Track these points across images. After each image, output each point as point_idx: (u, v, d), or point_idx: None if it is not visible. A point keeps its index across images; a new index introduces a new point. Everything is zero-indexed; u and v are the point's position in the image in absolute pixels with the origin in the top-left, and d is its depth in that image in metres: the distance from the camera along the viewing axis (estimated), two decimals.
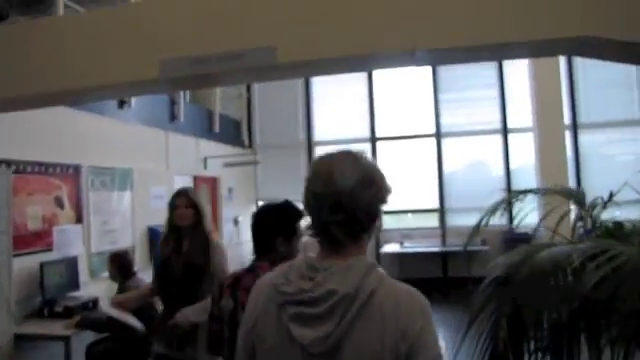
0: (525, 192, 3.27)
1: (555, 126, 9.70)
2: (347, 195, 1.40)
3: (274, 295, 1.43)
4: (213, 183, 10.02)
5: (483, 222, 3.20)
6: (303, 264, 1.44)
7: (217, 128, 9.98)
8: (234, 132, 11.17)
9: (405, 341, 1.32)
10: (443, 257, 10.72)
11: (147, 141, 7.85)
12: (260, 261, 2.49)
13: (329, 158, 1.49)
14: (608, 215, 2.95)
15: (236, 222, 10.64)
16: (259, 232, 2.53)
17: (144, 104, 7.76)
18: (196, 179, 9.38)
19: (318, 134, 11.83)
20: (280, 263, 1.66)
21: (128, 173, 7.17)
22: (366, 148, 10.62)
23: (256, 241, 2.54)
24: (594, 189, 3.76)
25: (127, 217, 7.17)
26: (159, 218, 8.11)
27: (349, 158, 1.48)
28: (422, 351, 1.34)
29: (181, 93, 8.67)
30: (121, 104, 7.16)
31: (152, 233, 7.63)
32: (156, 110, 8.18)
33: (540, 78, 9.81)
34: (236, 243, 10.62)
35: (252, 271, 2.46)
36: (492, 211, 3.12)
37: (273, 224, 2.51)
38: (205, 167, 9.55)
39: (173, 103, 8.62)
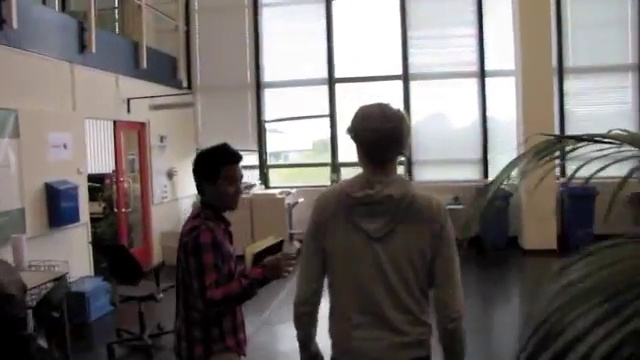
0: (580, 138, 1.83)
1: (542, 69, 8.44)
2: (395, 130, 1.99)
3: (344, 200, 1.99)
4: (140, 129, 8.43)
5: (515, 175, 1.91)
6: (361, 179, 2.02)
7: (144, 64, 8.31)
8: (168, 70, 9.49)
9: (437, 223, 1.98)
10: None
11: (42, 76, 6.17)
12: (200, 203, 2.63)
13: (374, 106, 2.04)
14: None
15: (170, 175, 9.12)
16: (193, 176, 2.61)
17: (37, 27, 6.08)
18: (117, 124, 7.78)
19: (268, 75, 10.23)
20: (213, 204, 2.59)
21: (8, 116, 5.53)
22: (323, 91, 9.31)
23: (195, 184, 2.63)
24: None
25: (11, 172, 5.58)
26: (61, 171, 6.55)
27: (387, 106, 2.04)
28: (447, 235, 2.00)
29: (92, 17, 6.94)
30: None
31: (51, 191, 6.08)
32: (57, 37, 6.49)
33: (527, 14, 8.47)
34: (171, 200, 9.13)
35: (192, 218, 2.58)
36: (539, 157, 1.80)
37: (197, 167, 2.59)
38: (129, 110, 7.93)
39: (82, 29, 6.92)
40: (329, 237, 2.01)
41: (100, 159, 9.33)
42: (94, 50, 6.93)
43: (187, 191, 9.61)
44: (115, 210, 7.84)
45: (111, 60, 7.54)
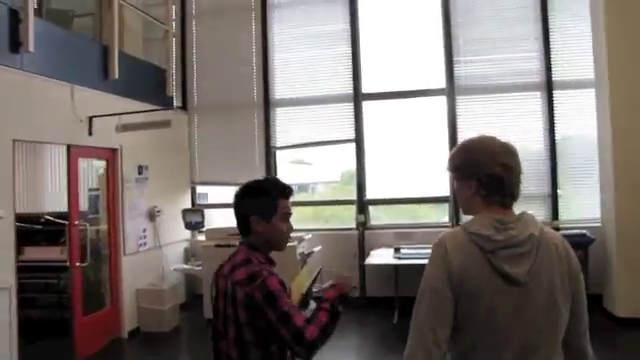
0: None
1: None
2: (520, 165, 1.83)
3: (483, 243, 1.72)
4: (110, 157, 6.54)
5: None
6: (491, 220, 1.74)
7: (116, 74, 6.46)
8: (153, 85, 7.62)
9: (572, 270, 1.78)
10: None
11: None
12: (241, 245, 2.34)
13: (488, 138, 1.86)
14: None
15: (152, 216, 7.19)
16: (235, 212, 2.37)
17: None
18: (71, 150, 5.90)
19: (279, 91, 8.33)
20: (261, 245, 2.28)
21: None
22: (347, 109, 7.43)
23: (237, 223, 2.36)
24: None
25: None
26: None
27: (499, 139, 1.86)
28: (581, 281, 1.81)
29: (30, 3, 5.13)
30: None
31: None
32: None
33: (614, 11, 6.52)
34: (152, 247, 7.18)
35: (232, 257, 2.33)
36: None
37: (246, 201, 2.33)
38: (90, 132, 6.07)
39: (17, 20, 5.11)
40: (466, 286, 1.72)
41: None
42: (32, 49, 5.10)
43: (175, 236, 7.71)
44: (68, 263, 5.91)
45: (64, 65, 5.72)
